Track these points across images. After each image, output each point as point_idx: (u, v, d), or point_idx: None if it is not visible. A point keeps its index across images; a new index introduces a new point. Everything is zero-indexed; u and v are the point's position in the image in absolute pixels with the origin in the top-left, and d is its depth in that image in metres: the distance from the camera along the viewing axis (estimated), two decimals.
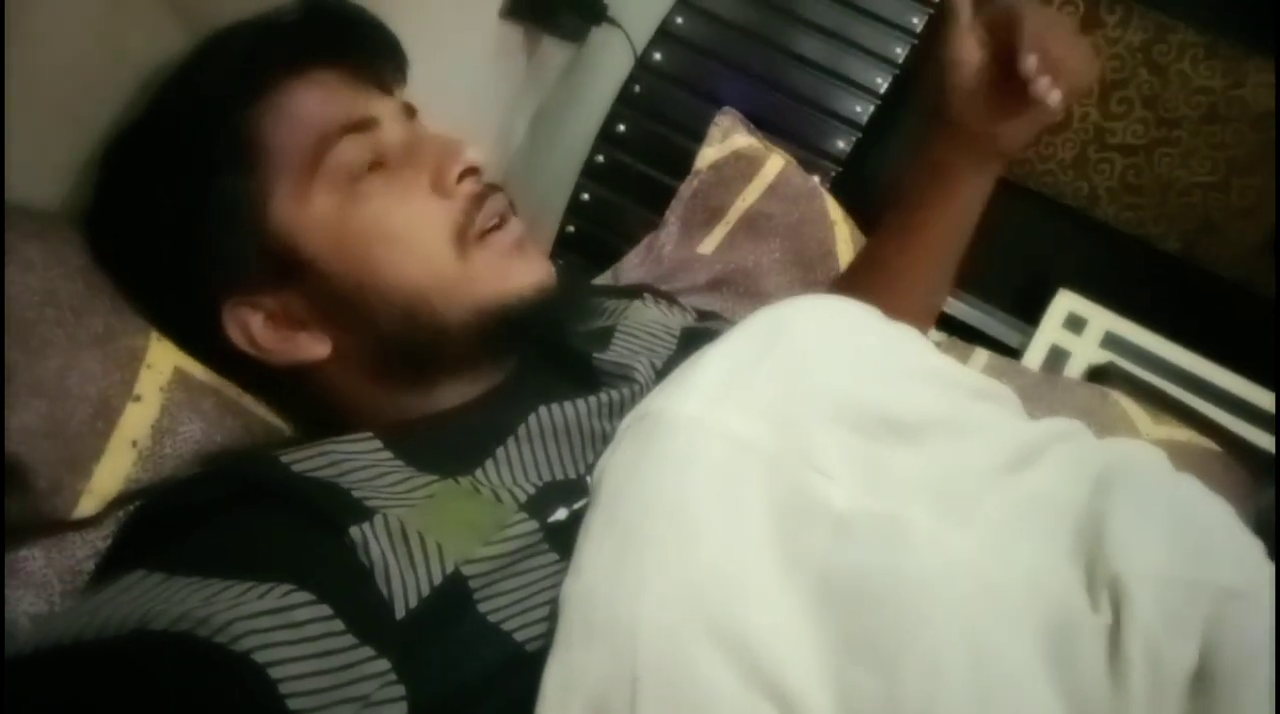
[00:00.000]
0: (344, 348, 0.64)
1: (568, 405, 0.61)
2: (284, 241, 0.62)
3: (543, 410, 0.61)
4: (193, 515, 0.52)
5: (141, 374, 0.59)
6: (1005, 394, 0.70)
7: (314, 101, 0.63)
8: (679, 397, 0.58)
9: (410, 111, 0.70)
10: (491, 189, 0.67)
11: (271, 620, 0.43)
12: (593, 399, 0.62)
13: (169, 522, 0.53)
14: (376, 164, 0.64)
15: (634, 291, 0.84)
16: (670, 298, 0.85)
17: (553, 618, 0.49)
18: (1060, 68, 0.71)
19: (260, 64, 0.63)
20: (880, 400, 0.60)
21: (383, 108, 0.67)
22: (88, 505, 0.56)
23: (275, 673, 0.42)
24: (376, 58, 0.69)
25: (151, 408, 0.59)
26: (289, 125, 0.62)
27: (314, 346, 0.64)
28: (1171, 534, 0.53)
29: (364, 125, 0.64)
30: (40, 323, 0.55)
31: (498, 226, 0.66)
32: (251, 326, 0.63)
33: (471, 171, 0.66)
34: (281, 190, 0.62)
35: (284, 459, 0.55)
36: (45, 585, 0.54)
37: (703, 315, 0.85)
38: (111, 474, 0.56)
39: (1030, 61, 0.70)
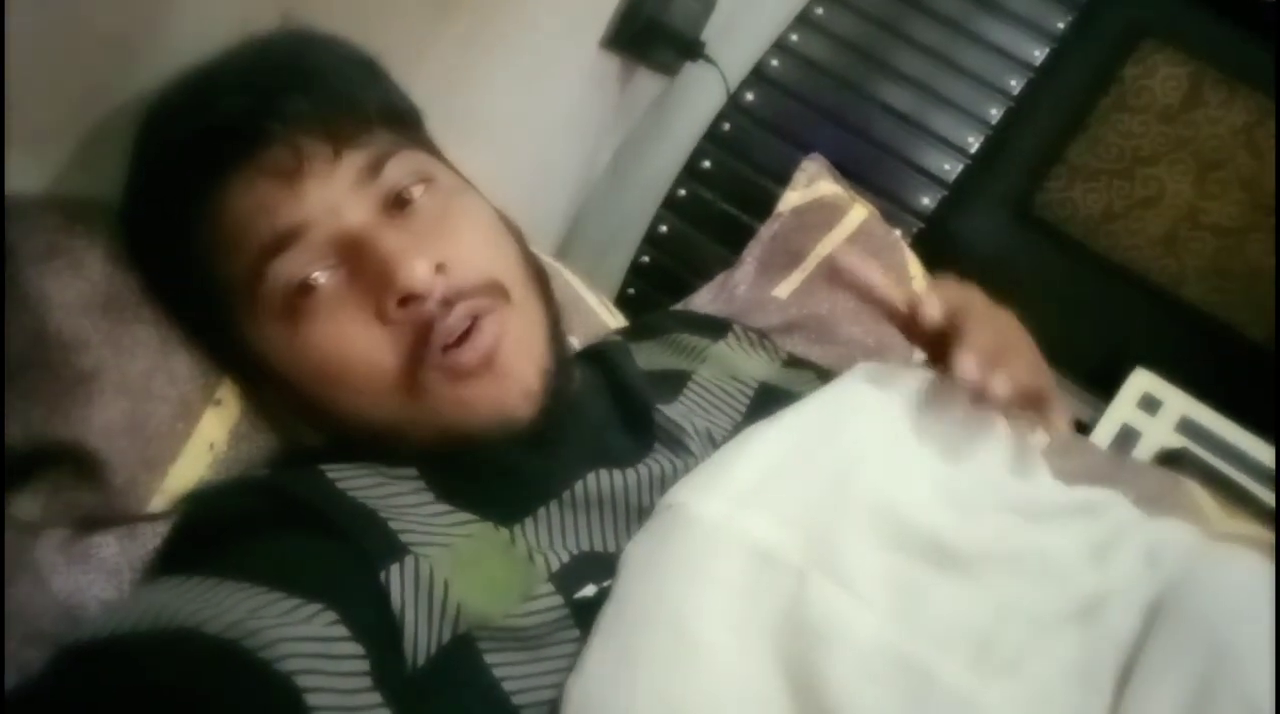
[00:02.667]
0: (335, 437, 0.61)
1: (616, 475, 0.58)
2: (253, 354, 0.58)
3: (590, 477, 0.57)
4: (243, 523, 0.53)
5: (225, 378, 0.60)
6: (1108, 505, 0.62)
7: (239, 219, 0.55)
8: (705, 492, 0.54)
9: (376, 167, 0.57)
10: (447, 304, 0.56)
11: (315, 648, 0.44)
12: (643, 469, 0.59)
13: (220, 526, 0.53)
14: (309, 286, 0.55)
15: (720, 326, 0.81)
16: (760, 333, 0.83)
17: (558, 703, 0.48)
18: None
19: (194, 169, 0.56)
20: (935, 521, 0.54)
21: (317, 198, 0.55)
22: (159, 505, 0.56)
23: (311, 699, 0.42)
24: (316, 121, 0.56)
25: (232, 412, 0.60)
26: (223, 249, 0.56)
27: (307, 434, 0.62)
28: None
29: (287, 241, 0.55)
30: (137, 323, 0.56)
31: (456, 345, 0.56)
32: (257, 397, 0.62)
33: (413, 298, 0.55)
34: (239, 310, 0.57)
35: (330, 475, 0.55)
36: (117, 572, 0.54)
37: (791, 360, 0.81)
38: (186, 476, 0.57)
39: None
